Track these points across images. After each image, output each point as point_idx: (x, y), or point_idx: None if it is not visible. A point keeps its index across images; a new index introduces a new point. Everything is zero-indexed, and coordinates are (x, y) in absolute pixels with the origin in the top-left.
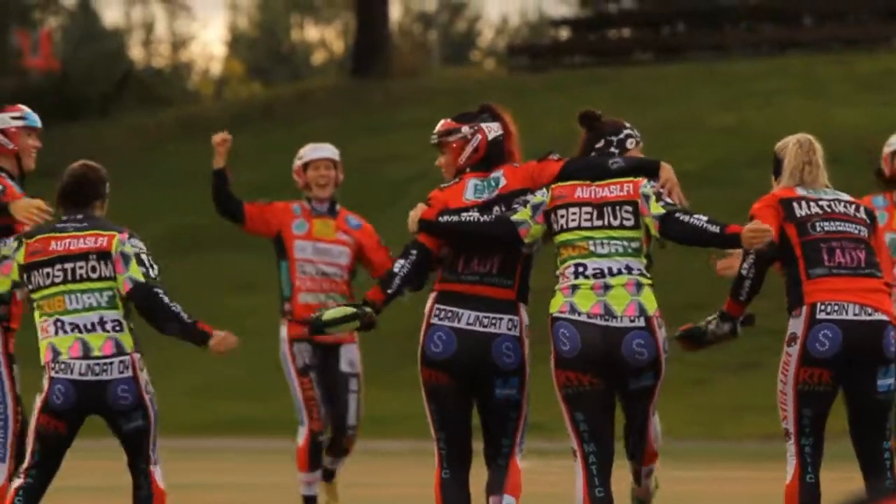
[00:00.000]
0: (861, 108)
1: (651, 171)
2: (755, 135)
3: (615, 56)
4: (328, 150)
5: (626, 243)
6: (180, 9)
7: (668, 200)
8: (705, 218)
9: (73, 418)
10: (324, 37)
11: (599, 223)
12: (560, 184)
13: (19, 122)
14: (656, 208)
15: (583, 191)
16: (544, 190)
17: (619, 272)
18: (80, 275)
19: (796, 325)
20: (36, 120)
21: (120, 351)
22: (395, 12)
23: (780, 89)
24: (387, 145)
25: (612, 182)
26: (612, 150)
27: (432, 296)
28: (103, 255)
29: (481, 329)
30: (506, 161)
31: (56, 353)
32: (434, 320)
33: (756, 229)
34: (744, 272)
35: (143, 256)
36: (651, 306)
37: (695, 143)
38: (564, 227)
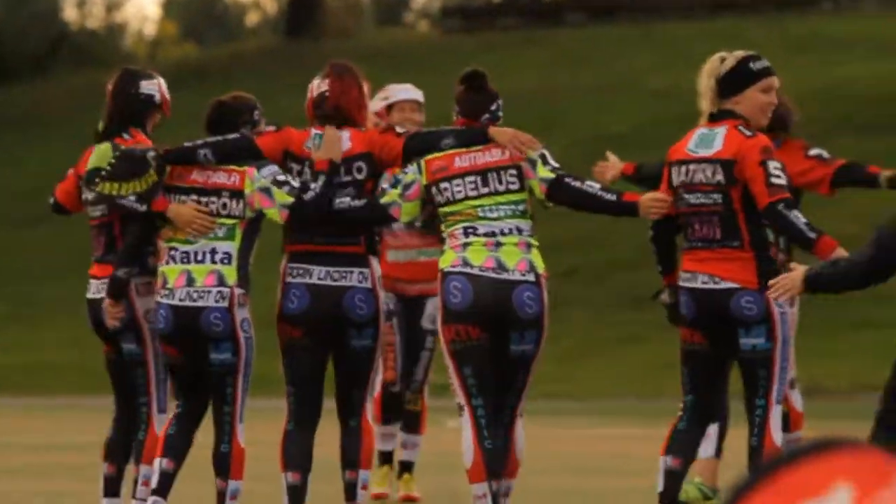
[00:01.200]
0: (792, 71)
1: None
2: (688, 97)
3: (549, 17)
4: (416, 92)
5: (514, 206)
6: None
7: (555, 164)
8: (598, 185)
9: (178, 343)
10: None
11: (486, 190)
12: (434, 155)
13: None
14: (544, 172)
15: (461, 159)
16: (415, 167)
17: (511, 232)
18: (211, 210)
19: None
20: None
21: (220, 283)
22: None
23: (711, 52)
24: None
25: (492, 146)
26: (500, 113)
27: (285, 257)
28: (236, 194)
29: (332, 283)
30: (347, 120)
31: (165, 280)
32: (288, 279)
33: (656, 198)
34: (651, 243)
35: (279, 177)
36: (540, 265)
37: (628, 105)
38: (451, 199)
